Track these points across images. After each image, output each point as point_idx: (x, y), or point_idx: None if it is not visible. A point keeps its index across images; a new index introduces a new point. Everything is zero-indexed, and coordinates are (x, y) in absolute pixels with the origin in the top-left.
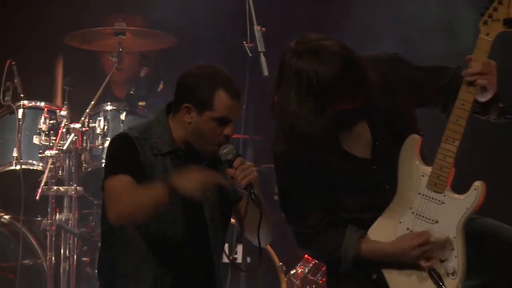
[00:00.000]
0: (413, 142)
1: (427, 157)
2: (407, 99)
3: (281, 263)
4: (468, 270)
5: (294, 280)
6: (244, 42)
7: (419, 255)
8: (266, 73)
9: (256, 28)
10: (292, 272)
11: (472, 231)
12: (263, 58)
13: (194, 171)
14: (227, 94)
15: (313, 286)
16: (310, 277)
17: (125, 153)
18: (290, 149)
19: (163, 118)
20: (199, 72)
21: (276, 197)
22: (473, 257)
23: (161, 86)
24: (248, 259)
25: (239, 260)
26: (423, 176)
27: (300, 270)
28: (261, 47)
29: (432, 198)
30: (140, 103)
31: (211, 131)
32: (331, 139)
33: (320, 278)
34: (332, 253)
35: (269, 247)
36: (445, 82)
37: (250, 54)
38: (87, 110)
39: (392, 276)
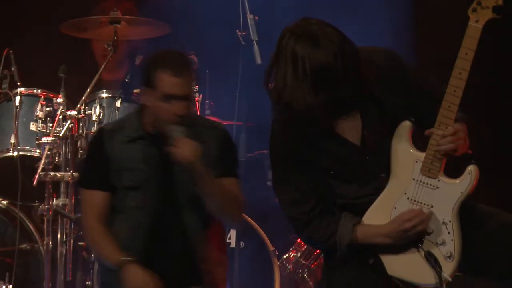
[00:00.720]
0: (405, 128)
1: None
2: (398, 95)
3: (273, 248)
4: (462, 254)
5: (287, 264)
6: (238, 31)
7: (412, 227)
8: (259, 61)
9: (249, 16)
10: (284, 256)
11: (465, 217)
12: (256, 46)
13: (189, 142)
14: (166, 71)
15: (305, 270)
16: (302, 261)
17: (92, 158)
18: (286, 127)
19: (140, 106)
20: (149, 57)
21: (269, 183)
22: (467, 240)
23: None
24: (242, 244)
25: (233, 245)
26: (416, 162)
27: (292, 255)
28: (254, 36)
29: (426, 184)
30: (135, 91)
31: (161, 111)
32: (327, 124)
33: (312, 262)
34: (327, 240)
35: (262, 232)
36: (434, 108)
37: (243, 43)
38: (83, 98)
39: (388, 260)
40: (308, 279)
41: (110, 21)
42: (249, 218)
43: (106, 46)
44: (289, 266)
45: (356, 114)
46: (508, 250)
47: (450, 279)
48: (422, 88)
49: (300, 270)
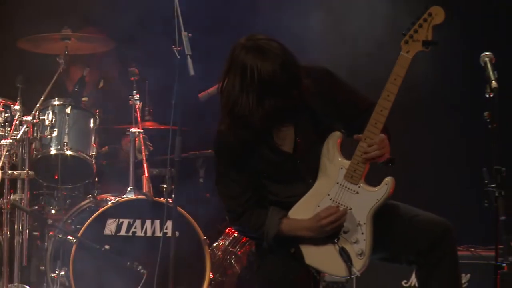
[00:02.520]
0: (335, 138)
1: (346, 152)
2: (331, 106)
3: (205, 237)
4: (377, 245)
5: (216, 252)
6: (173, 46)
7: (328, 223)
8: (192, 73)
9: (184, 33)
10: (214, 244)
11: (381, 212)
12: (189, 60)
13: None
14: None
15: (233, 256)
16: (230, 249)
17: None
18: (231, 130)
19: None
20: None
21: (201, 180)
22: (381, 234)
23: (101, 84)
24: (177, 233)
25: (169, 234)
26: (341, 168)
27: (221, 243)
28: (187, 50)
29: (348, 188)
30: (83, 99)
31: None
32: (266, 131)
33: (238, 249)
34: (257, 231)
35: (195, 223)
36: (360, 118)
37: (178, 57)
38: (38, 105)
39: (307, 251)
40: (235, 264)
41: (62, 38)
42: (183, 211)
43: (57, 59)
44: (219, 253)
45: (291, 122)
46: (413, 240)
47: (358, 274)
48: (353, 99)
49: (228, 257)
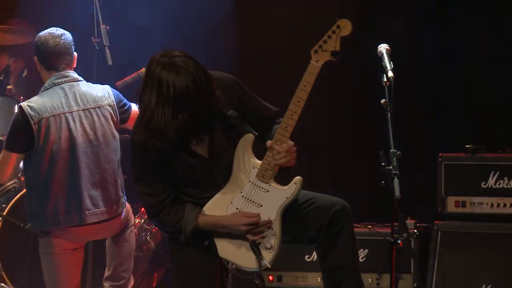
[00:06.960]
0: (248, 139)
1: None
2: (240, 113)
3: None
4: (287, 230)
5: (133, 228)
6: (93, 38)
7: (246, 231)
8: (110, 62)
9: (102, 26)
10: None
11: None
12: (107, 51)
13: None
14: None
15: (148, 233)
16: (145, 226)
17: None
18: (148, 140)
19: None
20: None
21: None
22: (284, 220)
23: (25, 73)
24: None
25: None
26: (253, 168)
27: (137, 221)
28: (106, 42)
29: (259, 187)
30: (8, 86)
31: None
32: (183, 138)
33: (153, 227)
34: (174, 226)
35: None
36: (263, 125)
37: (97, 48)
38: None
39: (221, 244)
40: (150, 240)
41: None
42: None
43: None
44: (135, 230)
45: (206, 129)
46: (313, 220)
47: (269, 266)
48: (258, 108)
49: (143, 234)
